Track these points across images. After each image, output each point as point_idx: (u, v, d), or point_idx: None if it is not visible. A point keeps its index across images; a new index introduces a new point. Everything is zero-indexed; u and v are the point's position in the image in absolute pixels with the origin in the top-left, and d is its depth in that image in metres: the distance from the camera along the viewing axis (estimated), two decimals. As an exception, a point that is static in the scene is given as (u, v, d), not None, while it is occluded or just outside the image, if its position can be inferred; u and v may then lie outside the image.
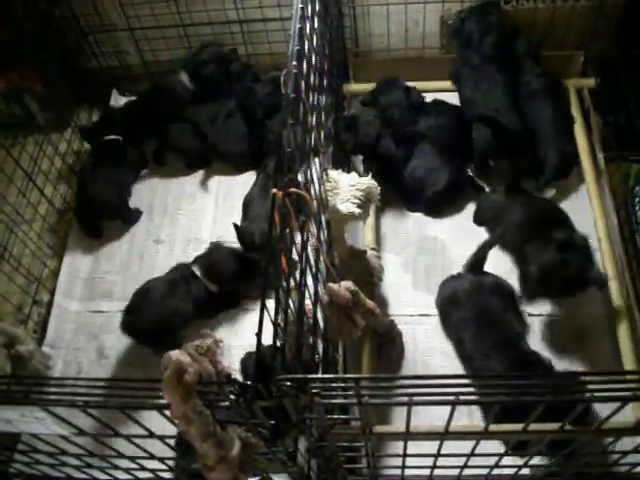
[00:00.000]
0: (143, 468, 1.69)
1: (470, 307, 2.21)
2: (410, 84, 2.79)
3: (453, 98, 2.85)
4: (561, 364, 2.22)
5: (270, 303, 1.25)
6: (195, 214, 2.82)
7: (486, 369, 2.09)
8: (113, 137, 2.84)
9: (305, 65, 1.70)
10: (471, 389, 1.17)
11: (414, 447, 1.55)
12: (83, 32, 3.07)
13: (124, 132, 2.87)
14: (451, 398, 1.17)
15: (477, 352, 2.15)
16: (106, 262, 2.73)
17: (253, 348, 1.19)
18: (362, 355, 2.21)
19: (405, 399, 1.17)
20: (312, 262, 1.73)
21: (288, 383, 1.13)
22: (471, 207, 2.64)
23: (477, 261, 2.33)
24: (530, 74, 2.72)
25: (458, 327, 2.24)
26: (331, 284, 1.77)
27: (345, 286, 1.79)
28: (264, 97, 2.84)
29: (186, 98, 2.96)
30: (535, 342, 2.27)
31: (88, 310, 2.61)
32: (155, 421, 1.35)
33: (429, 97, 2.85)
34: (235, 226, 2.46)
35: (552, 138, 2.59)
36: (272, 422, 1.25)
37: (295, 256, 1.51)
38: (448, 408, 1.25)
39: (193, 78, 2.95)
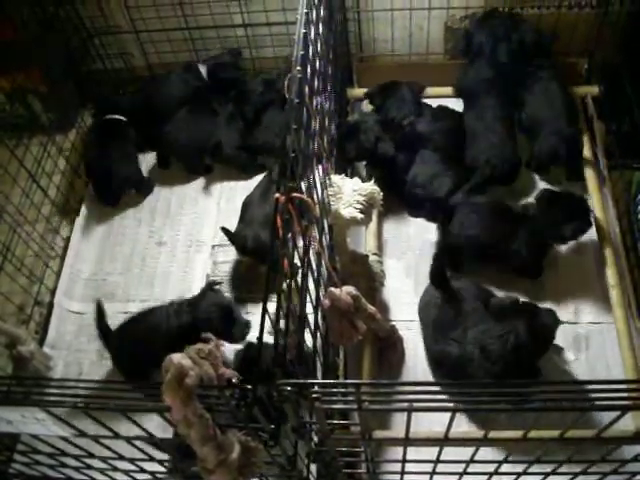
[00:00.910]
0: (142, 470, 1.69)
1: (426, 320, 2.27)
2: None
3: (457, 104, 2.85)
4: (562, 372, 2.23)
5: (272, 307, 1.26)
6: (197, 217, 2.83)
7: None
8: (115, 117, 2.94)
9: (309, 70, 1.71)
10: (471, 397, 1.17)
11: (414, 453, 1.56)
12: (89, 34, 3.09)
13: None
14: (451, 405, 1.18)
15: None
16: (108, 264, 2.73)
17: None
18: (363, 360, 2.21)
19: (405, 405, 1.17)
20: (314, 267, 1.73)
21: (289, 388, 1.14)
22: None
23: (436, 275, 2.27)
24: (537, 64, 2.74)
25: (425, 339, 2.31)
26: (332, 289, 1.77)
27: (346, 291, 1.80)
28: (256, 97, 2.88)
29: (195, 84, 3.00)
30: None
31: (90, 311, 2.60)
32: (155, 423, 1.35)
33: (433, 102, 2.85)
34: (223, 230, 2.47)
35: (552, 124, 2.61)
36: (272, 426, 1.26)
37: (297, 261, 1.51)
38: (448, 414, 1.26)
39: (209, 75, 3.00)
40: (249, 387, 1.14)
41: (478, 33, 2.77)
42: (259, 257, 2.46)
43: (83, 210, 2.91)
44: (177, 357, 1.12)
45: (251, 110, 2.87)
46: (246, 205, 2.57)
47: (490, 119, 2.63)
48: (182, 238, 2.78)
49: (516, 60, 2.73)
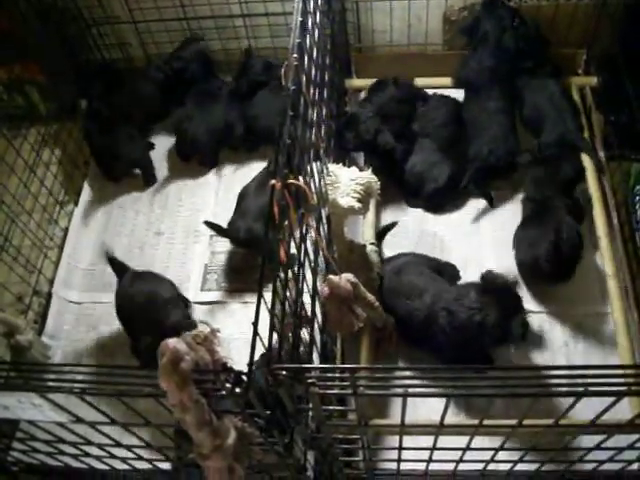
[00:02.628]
0: (140, 458, 1.70)
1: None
2: (412, 80, 2.80)
3: (455, 95, 2.84)
4: (559, 360, 2.24)
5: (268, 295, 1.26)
6: (195, 207, 2.83)
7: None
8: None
9: (306, 59, 1.70)
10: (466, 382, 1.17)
11: (411, 441, 1.56)
12: (87, 24, 3.07)
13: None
14: (446, 391, 1.18)
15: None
16: (106, 254, 2.73)
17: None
18: (360, 349, 2.21)
19: (400, 390, 1.17)
20: (311, 255, 1.73)
21: (284, 372, 1.14)
22: (471, 204, 2.65)
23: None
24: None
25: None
26: (332, 276, 1.78)
27: (346, 278, 1.80)
28: (252, 74, 2.92)
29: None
30: (534, 338, 2.28)
31: (88, 301, 2.61)
32: (153, 410, 1.36)
33: (431, 94, 2.85)
34: (207, 223, 2.50)
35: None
36: (268, 412, 1.26)
37: (293, 248, 1.51)
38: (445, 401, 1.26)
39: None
40: (244, 372, 1.14)
41: (483, 21, 2.75)
42: (252, 248, 2.47)
43: (81, 200, 2.91)
44: (172, 342, 1.12)
45: (244, 84, 2.92)
46: (242, 196, 2.57)
47: (493, 110, 2.62)
48: (180, 228, 2.77)
49: (518, 52, 2.72)
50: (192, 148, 2.92)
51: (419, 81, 2.85)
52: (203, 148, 2.91)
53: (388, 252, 2.54)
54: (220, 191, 2.86)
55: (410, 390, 1.17)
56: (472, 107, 2.70)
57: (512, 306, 2.00)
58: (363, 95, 2.85)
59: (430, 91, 2.85)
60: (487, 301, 1.99)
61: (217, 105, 2.93)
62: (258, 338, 1.18)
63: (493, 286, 2.02)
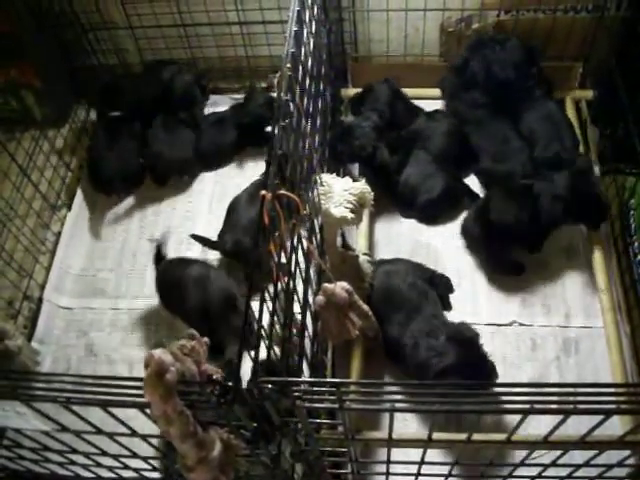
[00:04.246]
0: (126, 467, 1.68)
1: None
2: (408, 90, 2.82)
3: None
4: (551, 373, 2.23)
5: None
6: (189, 214, 2.82)
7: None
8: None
9: (300, 68, 1.70)
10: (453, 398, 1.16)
11: (401, 454, 1.55)
12: (83, 29, 3.06)
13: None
14: (432, 407, 1.17)
15: None
16: (99, 259, 2.72)
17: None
18: (352, 359, 2.20)
19: (387, 405, 1.16)
20: (302, 266, 1.72)
21: (269, 385, 1.13)
22: (465, 216, 2.64)
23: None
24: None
25: None
26: (327, 284, 1.77)
27: (341, 285, 1.79)
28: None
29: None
30: (526, 351, 2.28)
31: (79, 307, 2.60)
32: (141, 420, 1.34)
33: (426, 104, 2.85)
34: (194, 237, 2.53)
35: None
36: (254, 424, 1.25)
37: (284, 259, 1.50)
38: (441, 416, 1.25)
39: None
40: (230, 384, 1.13)
41: (472, 61, 2.75)
42: (240, 260, 2.46)
43: (75, 205, 2.89)
44: (158, 352, 1.11)
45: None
46: (232, 207, 2.57)
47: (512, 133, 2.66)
48: (173, 235, 2.75)
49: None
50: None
51: (415, 92, 2.85)
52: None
53: (381, 263, 2.53)
54: (214, 200, 2.84)
55: (397, 405, 1.16)
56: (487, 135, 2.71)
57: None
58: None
59: (427, 102, 2.86)
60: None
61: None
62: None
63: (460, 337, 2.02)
